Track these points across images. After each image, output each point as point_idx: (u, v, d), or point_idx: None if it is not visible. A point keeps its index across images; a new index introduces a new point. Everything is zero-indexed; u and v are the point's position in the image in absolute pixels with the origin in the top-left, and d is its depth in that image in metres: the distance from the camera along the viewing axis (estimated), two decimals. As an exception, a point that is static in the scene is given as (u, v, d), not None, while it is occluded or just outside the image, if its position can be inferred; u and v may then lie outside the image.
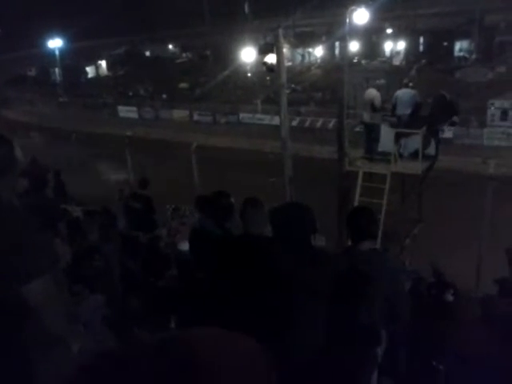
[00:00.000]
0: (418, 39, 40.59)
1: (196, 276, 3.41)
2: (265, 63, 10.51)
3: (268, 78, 30.40)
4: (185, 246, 4.93)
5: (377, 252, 3.12)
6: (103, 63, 52.57)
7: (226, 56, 37.78)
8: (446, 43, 38.62)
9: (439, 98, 10.85)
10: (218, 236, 3.49)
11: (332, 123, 21.31)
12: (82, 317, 2.96)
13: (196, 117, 31.00)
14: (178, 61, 49.71)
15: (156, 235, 6.68)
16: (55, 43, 42.81)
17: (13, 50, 47.10)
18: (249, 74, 37.31)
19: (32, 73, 50.73)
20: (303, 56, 44.69)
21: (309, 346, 2.50)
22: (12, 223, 1.99)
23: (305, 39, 43.69)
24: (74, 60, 47.84)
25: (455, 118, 11.12)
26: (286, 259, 2.43)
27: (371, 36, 39.99)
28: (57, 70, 45.50)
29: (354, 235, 3.11)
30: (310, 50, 44.88)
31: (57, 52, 42.97)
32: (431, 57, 36.84)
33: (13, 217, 2.02)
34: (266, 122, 26.76)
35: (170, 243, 6.49)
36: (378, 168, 10.44)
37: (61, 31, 42.04)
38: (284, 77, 9.66)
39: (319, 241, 2.80)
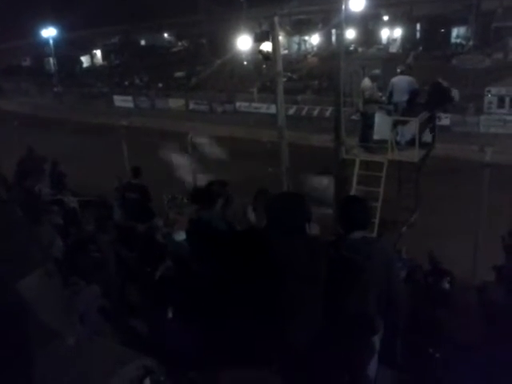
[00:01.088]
0: (415, 26, 40.41)
1: (192, 267, 3.40)
2: (260, 51, 10.43)
3: (264, 66, 30.26)
4: (180, 236, 4.91)
5: (369, 240, 3.11)
6: (98, 53, 52.20)
7: (221, 44, 37.51)
8: (442, 30, 38.46)
9: (436, 85, 10.81)
10: (218, 227, 3.47)
11: (329, 111, 21.24)
12: (78, 308, 2.95)
13: (192, 106, 30.85)
14: (174, 49, 49.44)
15: (153, 225, 6.66)
16: (49, 32, 42.41)
17: (6, 40, 46.59)
18: (245, 63, 37.09)
19: (27, 63, 50.34)
20: (299, 44, 44.46)
21: (306, 332, 2.51)
22: (0, 218, 1.96)
23: (301, 27, 43.43)
24: (68, 50, 47.42)
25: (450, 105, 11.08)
26: (281, 247, 2.43)
27: (368, 23, 39.77)
28: (51, 59, 45.13)
29: (344, 225, 3.11)
30: (306, 37, 44.63)
31: (51, 42, 42.58)
32: (428, 44, 36.69)
33: (1, 211, 2.00)
34: (263, 110, 26.66)
35: (166, 233, 6.48)
36: (375, 156, 10.42)
37: (55, 20, 41.61)
38: (280, 65, 9.59)
39: (313, 229, 2.80)
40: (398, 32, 40.39)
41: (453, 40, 38.33)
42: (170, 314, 3.18)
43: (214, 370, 2.37)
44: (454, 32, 38.51)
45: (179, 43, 51.86)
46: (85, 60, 50.72)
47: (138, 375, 2.10)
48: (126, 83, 38.52)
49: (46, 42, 42.99)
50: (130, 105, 33.09)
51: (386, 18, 41.23)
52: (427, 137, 10.71)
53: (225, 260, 2.63)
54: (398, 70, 11.05)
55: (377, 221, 9.29)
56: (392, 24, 40.55)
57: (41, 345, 2.11)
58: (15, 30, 45.82)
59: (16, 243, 1.95)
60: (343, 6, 10.35)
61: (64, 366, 2.24)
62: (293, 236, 2.49)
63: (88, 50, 50.93)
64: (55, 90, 38.68)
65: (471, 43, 36.08)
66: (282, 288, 2.39)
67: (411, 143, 10.33)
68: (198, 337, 2.69)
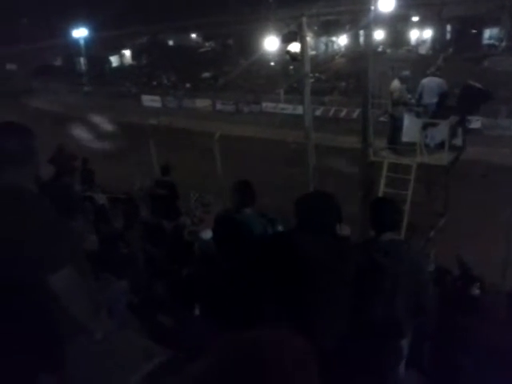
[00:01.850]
0: (445, 27, 39.69)
1: (219, 265, 3.41)
2: (288, 52, 10.41)
3: (291, 67, 30.17)
4: (207, 235, 4.94)
5: (399, 243, 3.08)
6: (127, 52, 52.94)
7: (249, 45, 37.56)
8: (474, 31, 37.63)
9: (467, 87, 10.61)
10: (251, 228, 3.48)
11: (356, 113, 21.05)
12: (106, 303, 2.99)
13: (219, 106, 31.00)
14: (201, 50, 49.71)
15: (180, 223, 6.72)
16: (80, 33, 43.27)
17: (39, 40, 47.73)
18: (272, 63, 37.06)
19: (58, 62, 51.41)
20: (327, 45, 44.20)
21: (334, 335, 2.49)
22: (34, 213, 2.00)
23: (329, 28, 43.15)
24: (98, 49, 48.25)
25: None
26: (311, 247, 2.41)
27: (396, 24, 39.24)
28: (82, 59, 46.02)
29: (375, 226, 3.09)
30: (334, 38, 44.35)
31: (82, 42, 43.42)
32: (459, 45, 35.95)
33: (35, 207, 2.03)
34: (289, 111, 26.58)
35: (193, 231, 6.52)
36: (403, 159, 10.29)
37: (85, 21, 42.43)
38: (308, 66, 9.57)
39: (344, 230, 2.78)
40: (427, 33, 39.76)
41: (485, 41, 37.48)
42: (197, 312, 3.20)
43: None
44: (487, 33, 37.66)
45: (206, 44, 52.18)
46: (114, 60, 51.50)
47: (164, 370, 2.12)
48: (154, 83, 38.96)
49: (77, 42, 43.85)
50: (158, 104, 33.45)
51: (415, 18, 40.60)
52: (457, 140, 10.52)
53: (255, 260, 2.62)
54: (428, 72, 10.89)
55: (404, 224, 9.17)
56: (422, 25, 39.92)
57: (70, 339, 2.15)
58: (48, 30, 46.96)
59: (48, 238, 1.99)
60: (372, 7, 10.26)
61: (92, 361, 2.27)
62: (323, 236, 2.46)
63: (117, 50, 51.70)
64: (85, 89, 39.42)
65: (504, 44, 35.19)
66: (311, 290, 2.37)
67: (441, 146, 10.18)
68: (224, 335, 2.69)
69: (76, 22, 42.35)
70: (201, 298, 3.22)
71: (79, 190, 6.11)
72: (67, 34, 44.31)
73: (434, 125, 10.30)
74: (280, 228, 3.80)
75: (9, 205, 2.00)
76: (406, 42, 41.16)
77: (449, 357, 4.40)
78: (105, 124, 22.94)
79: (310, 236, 2.45)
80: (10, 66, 48.76)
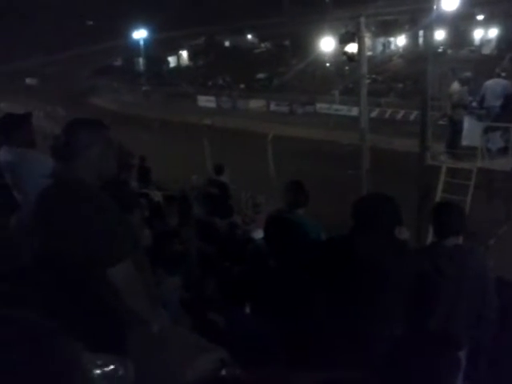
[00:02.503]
0: (513, 25, 37.79)
1: (269, 265, 3.41)
2: (345, 53, 10.30)
3: (347, 67, 29.80)
4: (259, 235, 4.96)
5: (462, 248, 2.97)
6: (184, 53, 54.13)
7: (304, 46, 37.46)
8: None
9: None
10: (306, 228, 3.47)
11: (413, 115, 20.50)
12: (161, 298, 3.06)
13: (273, 107, 31.08)
14: (257, 51, 50.07)
15: (232, 222, 6.79)
16: (140, 34, 44.69)
17: (102, 41, 49.74)
18: (327, 64, 36.76)
19: (118, 63, 53.35)
20: (384, 45, 43.31)
21: (387, 343, 2.44)
22: (96, 207, 2.05)
23: (387, 28, 42.28)
24: (156, 50, 49.65)
25: None
26: (368, 250, 2.37)
27: (459, 23, 37.79)
28: (141, 59, 47.50)
29: (439, 230, 3.00)
30: (392, 39, 43.40)
31: (141, 42, 44.82)
32: (527, 45, 34.17)
33: (96, 201, 2.09)
34: (344, 112, 26.26)
35: (244, 231, 6.57)
36: (463, 163, 9.92)
37: (145, 22, 43.77)
38: (365, 67, 9.43)
39: (403, 233, 2.72)
40: (493, 32, 37.99)
41: (556, 40, 35.42)
42: (248, 310, 3.21)
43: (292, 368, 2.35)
44: (558, 32, 35.60)
45: (262, 45, 52.47)
46: (172, 60, 52.81)
47: (214, 367, 2.14)
48: (210, 83, 39.62)
49: (137, 43, 45.31)
50: (213, 105, 33.98)
51: (480, 17, 38.93)
52: (522, 144, 10.02)
53: (310, 261, 2.61)
54: (493, 73, 10.44)
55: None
56: (487, 24, 38.21)
57: (129, 328, 2.21)
58: (109, 31, 48.81)
59: (109, 232, 2.05)
60: (435, 6, 9.96)
61: (149, 351, 2.33)
62: (381, 239, 2.41)
63: (175, 51, 52.97)
64: (143, 88, 40.69)
65: None
66: (366, 294, 2.33)
67: (503, 151, 9.73)
68: (275, 335, 2.69)
69: (137, 23, 43.77)
70: (251, 298, 3.23)
71: (135, 187, 6.30)
72: (128, 35, 45.88)
73: (496, 128, 9.86)
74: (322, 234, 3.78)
75: (74, 196, 2.07)
76: (469, 41, 39.57)
77: (506, 372, 4.19)
78: (161, 123, 23.54)
79: (368, 238, 2.40)
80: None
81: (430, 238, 6.72)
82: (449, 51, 36.60)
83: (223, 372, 2.15)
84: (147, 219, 4.69)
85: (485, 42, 38.18)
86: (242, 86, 36.75)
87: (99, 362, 1.65)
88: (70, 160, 2.15)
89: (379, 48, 42.91)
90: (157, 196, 6.66)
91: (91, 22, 54.43)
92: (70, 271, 2.00)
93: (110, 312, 2.12)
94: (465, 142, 10.12)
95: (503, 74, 10.37)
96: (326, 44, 26.00)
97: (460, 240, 3.08)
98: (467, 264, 2.83)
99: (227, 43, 54.81)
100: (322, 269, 2.51)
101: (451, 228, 2.95)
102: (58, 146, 2.22)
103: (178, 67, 51.96)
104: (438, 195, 9.61)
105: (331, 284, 2.41)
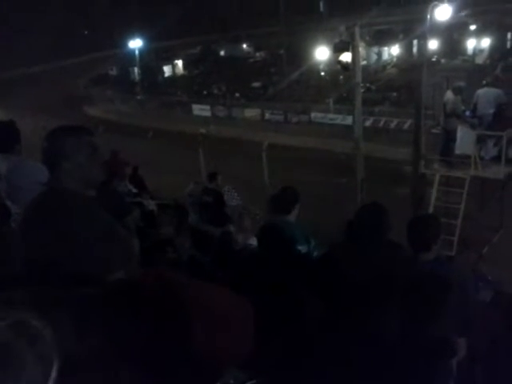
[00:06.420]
0: (505, 35, 38.17)
1: (260, 272, 3.40)
2: (340, 62, 10.35)
3: (341, 77, 29.93)
4: (254, 242, 4.96)
5: (442, 261, 3.00)
6: (179, 62, 54.21)
7: (299, 55, 37.64)
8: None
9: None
10: (293, 235, 3.46)
11: (407, 124, 20.61)
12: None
13: (267, 116, 31.14)
14: (252, 60, 50.24)
15: (227, 230, 6.77)
16: (135, 43, 44.75)
17: (97, 50, 49.83)
18: (322, 73, 36.93)
19: (113, 72, 53.35)
20: (378, 54, 43.59)
21: (381, 349, 2.43)
22: (78, 220, 1.98)
23: (381, 37, 42.58)
24: (152, 60, 49.73)
25: None
26: (361, 261, 2.37)
27: (453, 33, 38.14)
28: (136, 69, 47.52)
29: (412, 246, 3.03)
30: (386, 48, 43.69)
31: (136, 52, 44.87)
32: (519, 54, 34.54)
33: (80, 212, 2.01)
34: (338, 121, 26.34)
35: (240, 239, 6.55)
36: (457, 172, 9.97)
37: (141, 32, 43.90)
38: (359, 76, 9.49)
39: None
40: (485, 42, 38.31)
41: (547, 50, 35.83)
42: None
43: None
44: (549, 42, 35.99)
45: (257, 54, 52.68)
46: (167, 69, 52.84)
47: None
48: (205, 92, 39.67)
49: (132, 52, 45.36)
50: (208, 113, 33.99)
51: (473, 27, 39.29)
52: (515, 153, 10.10)
53: (304, 272, 2.60)
54: (484, 82, 10.53)
55: (456, 239, 8.87)
56: (479, 33, 38.55)
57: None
58: (105, 40, 48.98)
59: (92, 245, 1.96)
60: (428, 16, 10.06)
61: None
62: (374, 249, 2.42)
63: (170, 60, 53.07)
64: (138, 97, 40.66)
65: None
66: (361, 302, 2.33)
67: (496, 159, 9.80)
68: (269, 341, 2.68)
69: (132, 33, 43.88)
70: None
71: (129, 195, 6.29)
72: (124, 44, 45.99)
73: (489, 137, 9.93)
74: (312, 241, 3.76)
75: (51, 208, 1.99)
76: (463, 51, 39.87)
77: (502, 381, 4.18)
78: (155, 132, 23.54)
79: (361, 247, 2.41)
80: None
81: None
82: (442, 61, 36.83)
83: None
84: (140, 228, 4.68)
85: (478, 51, 38.46)
86: (237, 94, 36.82)
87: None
88: (53, 169, 2.07)
89: (373, 57, 43.15)
90: (150, 205, 6.65)
91: (86, 32, 54.59)
92: (53, 285, 1.96)
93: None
94: (458, 151, 10.18)
95: (495, 83, 10.48)
96: (321, 53, 26.15)
97: (434, 253, 3.06)
98: (449, 276, 2.83)
99: (223, 52, 55.00)
100: (316, 278, 2.51)
101: (422, 244, 2.97)
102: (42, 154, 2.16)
103: (174, 76, 52.02)
104: (432, 203, 9.65)
105: (326, 292, 2.41)
